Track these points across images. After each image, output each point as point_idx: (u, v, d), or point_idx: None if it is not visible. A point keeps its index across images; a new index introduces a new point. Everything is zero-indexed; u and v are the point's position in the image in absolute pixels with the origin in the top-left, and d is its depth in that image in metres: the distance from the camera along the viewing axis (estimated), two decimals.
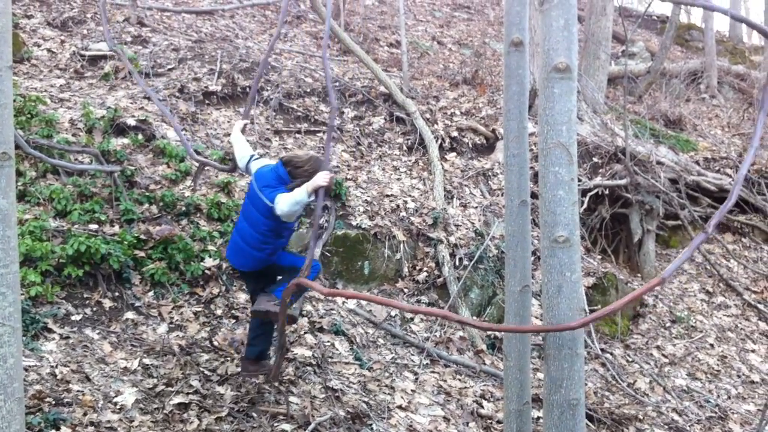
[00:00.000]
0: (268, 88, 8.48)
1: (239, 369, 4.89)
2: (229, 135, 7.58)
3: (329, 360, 5.47)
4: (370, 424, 4.88)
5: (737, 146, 12.45)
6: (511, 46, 3.78)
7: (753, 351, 7.69)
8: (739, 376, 7.23)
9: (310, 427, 4.55)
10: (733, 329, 8.01)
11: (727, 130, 13.88)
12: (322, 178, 4.31)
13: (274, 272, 4.76)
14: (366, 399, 5.18)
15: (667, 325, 7.70)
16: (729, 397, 6.85)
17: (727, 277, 8.82)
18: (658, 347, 7.32)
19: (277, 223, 4.53)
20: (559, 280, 3.11)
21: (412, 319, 6.41)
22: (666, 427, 6.09)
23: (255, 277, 4.81)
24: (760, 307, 8.47)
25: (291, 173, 4.59)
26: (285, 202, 4.38)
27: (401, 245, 6.84)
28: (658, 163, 9.14)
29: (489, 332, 6.45)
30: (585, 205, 8.32)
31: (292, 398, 4.88)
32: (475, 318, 6.58)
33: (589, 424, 5.70)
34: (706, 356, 7.37)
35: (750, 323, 8.24)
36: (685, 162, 9.81)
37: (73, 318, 4.95)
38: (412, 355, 5.98)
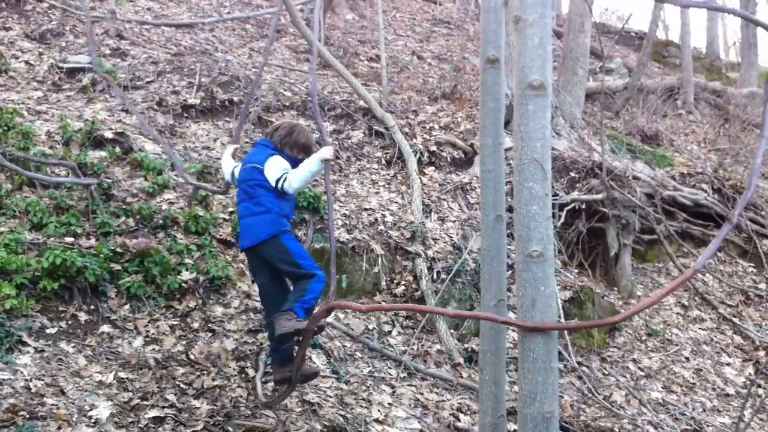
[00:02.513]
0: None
1: (273, 376, 4.89)
2: (207, 148, 7.59)
3: None
4: None
5: (713, 161, 12.60)
6: (487, 63, 3.84)
7: (728, 364, 7.76)
8: (714, 389, 7.30)
9: None
10: (709, 342, 8.09)
11: (703, 146, 14.04)
12: (328, 152, 4.67)
13: (280, 259, 4.69)
14: (343, 412, 5.18)
15: (643, 338, 7.76)
16: (704, 410, 6.91)
17: (702, 291, 8.91)
18: (634, 360, 7.37)
19: (272, 188, 4.72)
20: (533, 294, 3.13)
21: (389, 332, 6.43)
22: None
23: (262, 262, 4.79)
24: (735, 320, 8.56)
25: (279, 142, 4.90)
26: (298, 179, 4.64)
27: (379, 259, 6.85)
28: (635, 178, 9.23)
29: (466, 346, 6.48)
30: (562, 219, 8.38)
31: (268, 412, 4.87)
32: (452, 331, 6.60)
33: None
34: (681, 369, 7.44)
35: (725, 336, 8.32)
36: (661, 177, 9.91)
37: (48, 331, 4.92)
38: (390, 368, 5.99)
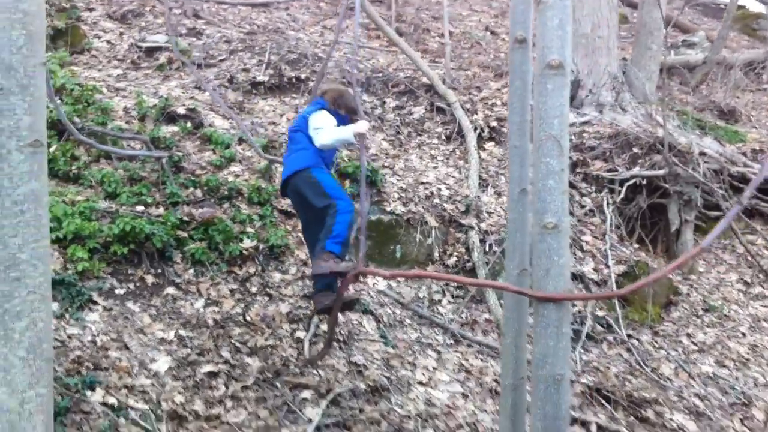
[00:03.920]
0: (314, 78, 8.80)
1: (315, 306, 5.07)
2: (273, 124, 7.96)
3: (355, 337, 5.79)
4: (389, 397, 5.19)
5: None
6: (515, 42, 4.01)
7: None
8: None
9: (329, 397, 4.89)
10: None
11: None
12: (364, 126, 4.95)
13: (312, 192, 4.97)
14: (387, 374, 5.48)
15: (700, 313, 7.78)
16: (756, 385, 6.92)
17: (767, 268, 8.81)
18: (688, 335, 7.42)
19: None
20: (547, 264, 3.32)
21: (439, 301, 6.68)
22: (686, 411, 6.23)
23: (300, 198, 5.09)
24: None
25: (333, 102, 5.26)
26: (328, 136, 4.93)
27: (433, 231, 7.10)
28: (701, 154, 9.15)
29: None
30: (622, 195, 8.43)
31: (315, 371, 5.21)
32: (501, 301, 6.79)
33: (606, 405, 5.89)
34: (736, 345, 7.44)
35: None
36: (730, 153, 9.78)
37: (117, 292, 5.37)
38: (437, 335, 6.26)
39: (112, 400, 4.28)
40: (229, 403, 4.68)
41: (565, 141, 3.40)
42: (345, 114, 5.23)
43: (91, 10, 9.46)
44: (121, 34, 9.06)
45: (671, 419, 6.00)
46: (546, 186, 3.36)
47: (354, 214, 4.93)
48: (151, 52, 8.82)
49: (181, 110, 7.49)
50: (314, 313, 5.30)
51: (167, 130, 7.21)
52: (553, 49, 3.38)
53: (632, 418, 5.89)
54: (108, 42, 8.81)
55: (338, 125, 5.06)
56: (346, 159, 7.34)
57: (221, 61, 8.84)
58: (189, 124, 7.40)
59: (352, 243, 6.59)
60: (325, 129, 4.97)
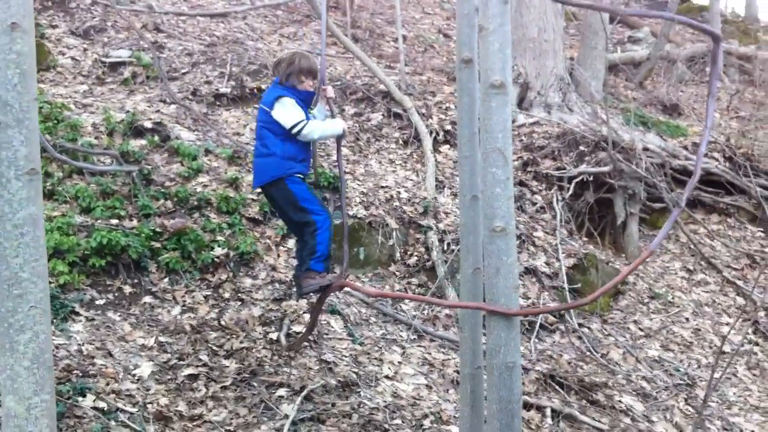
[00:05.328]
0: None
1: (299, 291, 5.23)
2: (238, 134, 8.28)
3: (324, 336, 6.16)
4: (359, 391, 5.57)
5: (732, 129, 12.91)
6: (462, 63, 4.38)
7: (727, 324, 8.25)
8: (710, 347, 7.82)
9: (303, 393, 5.26)
10: (710, 304, 8.59)
11: (725, 113, 14.31)
12: (341, 125, 5.12)
13: (287, 203, 5.01)
14: (356, 370, 5.86)
15: (646, 301, 8.29)
16: (699, 366, 7.45)
17: (708, 256, 9.38)
18: (635, 322, 7.92)
19: (279, 131, 4.95)
20: (497, 264, 3.69)
21: (402, 299, 7.08)
22: (634, 393, 6.72)
23: (276, 205, 5.20)
24: (739, 283, 9.03)
25: (285, 76, 5.01)
26: (318, 130, 4.94)
27: (394, 232, 7.50)
28: (645, 149, 9.68)
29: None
30: (570, 191, 8.92)
31: (288, 369, 5.58)
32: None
33: (559, 390, 6.35)
34: (680, 329, 7.96)
35: (728, 298, 8.80)
36: (672, 148, 10.34)
37: (97, 302, 5.69)
38: (401, 331, 6.65)
39: (102, 405, 4.61)
40: (210, 403, 5.02)
41: (509, 152, 3.78)
42: (303, 83, 5.01)
43: (54, 26, 9.67)
44: (85, 50, 9.29)
45: (620, 401, 6.47)
46: (493, 193, 3.72)
47: (332, 225, 5.05)
48: (115, 66, 9.07)
49: (148, 124, 7.78)
50: (299, 295, 5.43)
51: (135, 143, 7.49)
52: (496, 70, 3.74)
53: (584, 401, 6.35)
54: (72, 58, 9.03)
55: (301, 101, 4.97)
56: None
57: (184, 74, 9.12)
58: (156, 138, 7.68)
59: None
60: (313, 123, 4.92)
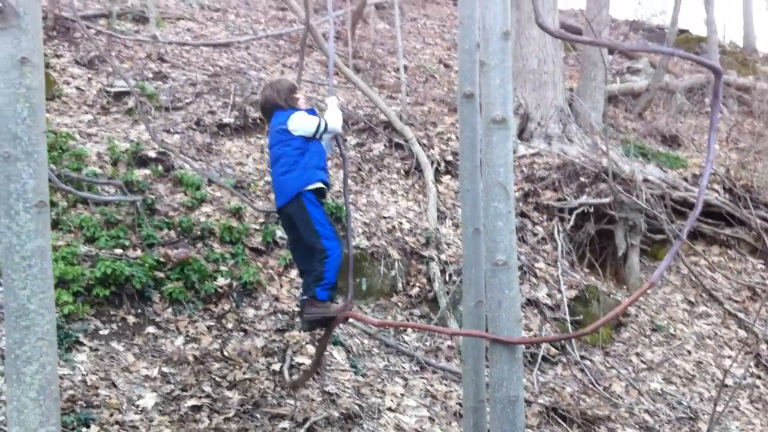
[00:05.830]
0: None
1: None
2: (241, 164, 8.33)
3: (327, 368, 6.17)
4: (362, 424, 5.57)
5: (732, 161, 12.96)
6: (464, 97, 4.44)
7: (729, 357, 8.25)
8: (713, 380, 7.81)
9: (306, 425, 5.26)
10: (712, 337, 8.58)
11: (724, 144, 14.37)
12: (335, 101, 5.27)
13: (302, 222, 4.95)
14: (359, 402, 5.86)
15: (648, 333, 8.29)
16: (701, 400, 7.43)
17: (710, 288, 9.39)
18: (637, 354, 7.92)
19: (295, 141, 4.98)
20: (499, 297, 3.72)
21: (404, 330, 7.09)
22: (637, 426, 6.70)
23: (290, 222, 5.08)
24: (740, 315, 9.03)
25: (284, 101, 5.11)
26: (335, 117, 5.08)
27: (396, 263, 7.52)
28: (645, 180, 9.73)
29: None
30: (572, 222, 8.96)
31: (291, 401, 5.58)
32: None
33: (562, 423, 6.34)
34: (682, 362, 7.96)
35: (729, 331, 8.80)
36: (672, 179, 10.39)
37: (101, 332, 5.70)
38: (404, 362, 6.66)
39: None
40: None
41: (510, 186, 3.81)
42: (300, 104, 5.15)
43: (59, 56, 9.76)
44: (90, 79, 9.37)
45: None
46: (495, 227, 3.74)
47: (342, 255, 5.03)
48: (119, 96, 9.14)
49: (152, 153, 7.82)
50: (304, 329, 5.46)
51: (140, 173, 7.53)
52: (497, 105, 3.77)
53: None
54: (77, 88, 9.11)
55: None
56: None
57: (188, 104, 9.19)
58: (160, 167, 7.73)
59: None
60: (326, 120, 5.01)
